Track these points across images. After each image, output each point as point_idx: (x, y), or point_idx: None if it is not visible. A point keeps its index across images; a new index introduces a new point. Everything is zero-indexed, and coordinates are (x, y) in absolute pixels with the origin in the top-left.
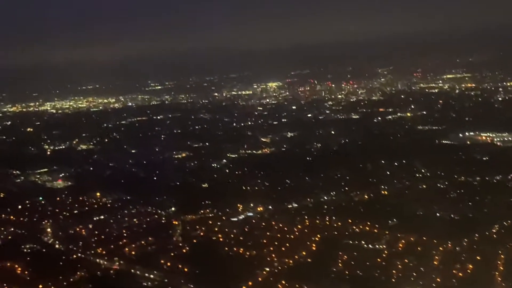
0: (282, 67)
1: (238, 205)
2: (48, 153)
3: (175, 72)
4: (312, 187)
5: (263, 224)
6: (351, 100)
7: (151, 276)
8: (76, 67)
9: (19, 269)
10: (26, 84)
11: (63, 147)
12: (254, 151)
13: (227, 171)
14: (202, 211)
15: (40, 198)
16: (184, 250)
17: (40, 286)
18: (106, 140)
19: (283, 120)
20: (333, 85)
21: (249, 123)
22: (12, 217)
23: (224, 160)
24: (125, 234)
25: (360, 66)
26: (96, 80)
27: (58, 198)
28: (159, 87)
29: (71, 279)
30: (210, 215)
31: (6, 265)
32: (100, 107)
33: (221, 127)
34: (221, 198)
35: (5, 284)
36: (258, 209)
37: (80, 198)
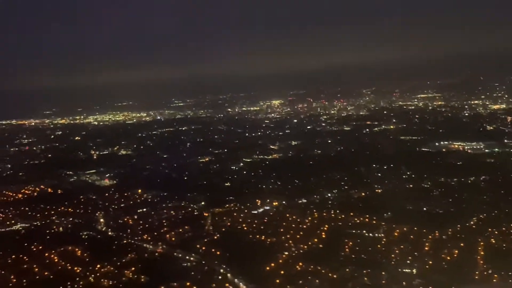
0: (282, 88)
1: (257, 200)
2: (95, 157)
3: (194, 92)
4: (317, 186)
5: (279, 216)
6: (343, 115)
7: (191, 258)
8: (113, 88)
9: (79, 252)
10: (72, 101)
11: (107, 152)
12: (265, 156)
13: (244, 172)
14: (227, 205)
15: (91, 194)
16: (216, 237)
17: (98, 265)
18: (142, 147)
19: (287, 131)
20: (326, 103)
21: (259, 133)
22: (70, 209)
23: (241, 164)
24: (165, 224)
25: (347, 88)
26: (129, 98)
27: (106, 194)
28: (182, 104)
29: (123, 260)
30: (234, 208)
31: (68, 248)
32: (134, 120)
33: (236, 136)
34: (242, 195)
35: (68, 264)
36: (274, 203)
37: (125, 194)
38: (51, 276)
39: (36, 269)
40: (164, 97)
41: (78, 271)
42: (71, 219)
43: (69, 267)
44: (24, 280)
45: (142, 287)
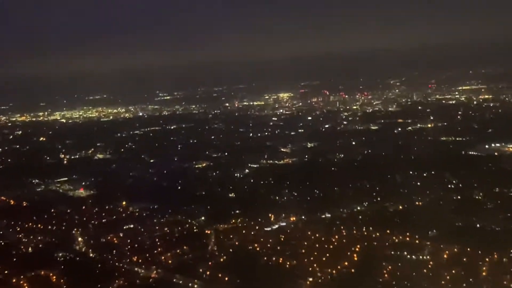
0: (291, 78)
1: (270, 214)
2: (65, 162)
3: (183, 83)
4: (343, 197)
5: (299, 234)
6: (368, 111)
7: (195, 286)
8: (83, 78)
9: (54, 277)
10: (33, 94)
11: (80, 156)
12: (276, 161)
13: (252, 180)
14: (233, 221)
15: (65, 207)
16: (222, 259)
17: None
18: (122, 149)
19: (300, 130)
20: (346, 96)
21: (266, 133)
22: (40, 225)
23: (247, 170)
24: (158, 243)
25: (371, 78)
26: (103, 90)
27: (83, 207)
28: (168, 98)
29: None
30: (243, 224)
31: (40, 273)
32: (111, 117)
33: (238, 137)
34: (250, 208)
35: None
36: (291, 219)
37: (106, 207)
38: None
39: None
40: (147, 89)
41: None
42: (41, 237)
43: None
44: None
45: None
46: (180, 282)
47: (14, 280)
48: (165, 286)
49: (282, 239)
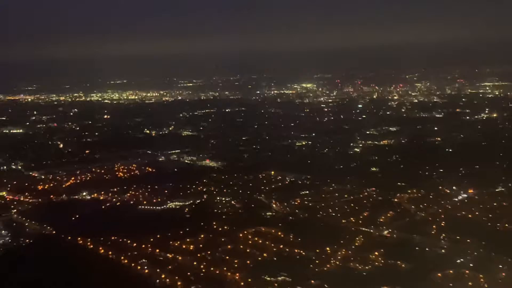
0: (302, 70)
1: (440, 187)
2: (157, 137)
3: (195, 73)
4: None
5: (496, 203)
6: (415, 101)
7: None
8: (97, 63)
9: (280, 233)
10: (54, 77)
11: (166, 132)
12: (376, 142)
13: (376, 158)
14: (410, 191)
15: (216, 174)
16: (443, 223)
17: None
18: (201, 128)
19: (363, 116)
20: (377, 87)
21: (331, 118)
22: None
23: (356, 149)
24: (357, 208)
25: (385, 72)
26: (120, 75)
27: (235, 175)
28: (191, 85)
29: (357, 244)
30: (423, 194)
31: (261, 229)
32: (153, 100)
33: (307, 120)
34: (412, 182)
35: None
36: (469, 191)
37: (260, 176)
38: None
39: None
40: (162, 76)
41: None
42: (228, 198)
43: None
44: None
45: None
46: (422, 241)
47: (240, 235)
48: (406, 244)
49: (485, 206)
